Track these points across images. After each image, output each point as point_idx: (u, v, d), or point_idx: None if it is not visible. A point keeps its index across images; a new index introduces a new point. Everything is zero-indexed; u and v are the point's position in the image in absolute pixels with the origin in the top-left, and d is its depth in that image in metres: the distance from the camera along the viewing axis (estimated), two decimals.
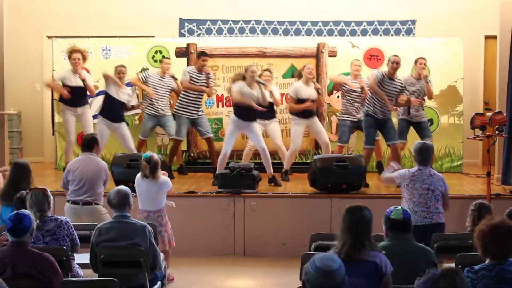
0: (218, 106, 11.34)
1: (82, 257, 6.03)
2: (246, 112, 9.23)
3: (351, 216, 4.55)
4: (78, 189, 7.41)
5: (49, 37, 12.22)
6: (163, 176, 7.19)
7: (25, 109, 12.55)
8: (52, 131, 11.75)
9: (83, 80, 10.10)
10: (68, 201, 7.46)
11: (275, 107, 10.30)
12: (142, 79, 10.43)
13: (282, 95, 10.84)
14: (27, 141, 12.64)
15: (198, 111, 10.28)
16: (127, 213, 5.80)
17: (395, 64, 9.28)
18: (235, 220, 8.77)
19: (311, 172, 9.01)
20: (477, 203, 6.11)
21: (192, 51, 11.17)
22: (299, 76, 9.91)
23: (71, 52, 10.14)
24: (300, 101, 9.71)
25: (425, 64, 9.99)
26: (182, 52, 11.25)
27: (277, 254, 8.58)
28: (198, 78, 10.12)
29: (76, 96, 10.13)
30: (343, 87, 10.18)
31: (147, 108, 10.44)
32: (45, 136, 12.56)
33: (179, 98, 10.29)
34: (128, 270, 5.65)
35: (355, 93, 10.11)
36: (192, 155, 11.20)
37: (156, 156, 7.16)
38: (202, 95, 10.30)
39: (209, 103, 11.24)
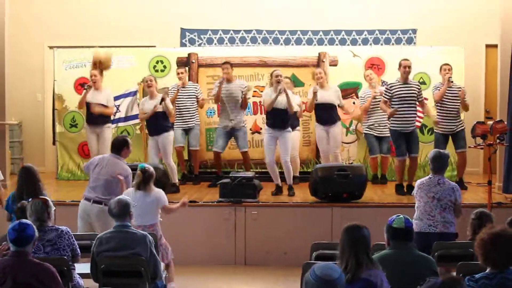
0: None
1: (82, 267, 6.02)
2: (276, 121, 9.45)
3: (350, 236, 4.52)
4: (93, 187, 7.39)
5: (51, 47, 12.24)
6: (157, 189, 7.12)
7: (26, 119, 12.56)
8: (53, 141, 11.75)
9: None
10: (84, 197, 7.44)
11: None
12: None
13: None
14: (28, 151, 12.64)
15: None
16: (128, 222, 5.80)
17: (407, 68, 9.40)
18: (236, 229, 8.76)
19: (312, 181, 9.01)
20: (478, 212, 6.09)
21: (193, 61, 11.18)
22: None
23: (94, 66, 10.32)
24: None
25: (449, 70, 9.92)
26: (183, 62, 11.26)
27: (278, 263, 8.57)
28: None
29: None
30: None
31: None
32: (46, 146, 12.56)
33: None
34: (129, 280, 5.64)
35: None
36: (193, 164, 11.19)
37: (152, 169, 7.10)
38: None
39: (210, 112, 11.25)
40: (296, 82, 11.03)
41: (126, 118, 11.15)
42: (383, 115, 10.07)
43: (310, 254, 6.02)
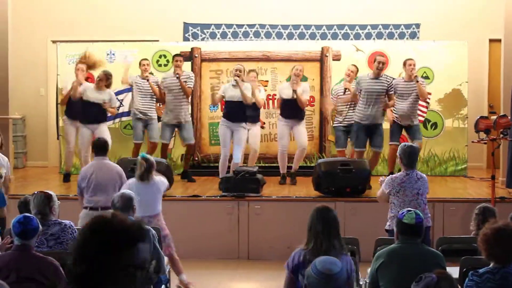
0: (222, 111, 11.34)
1: None
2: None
3: (324, 218, 4.60)
4: (95, 195, 7.32)
5: (54, 42, 12.24)
6: (157, 177, 7.15)
7: (29, 113, 12.56)
8: (56, 136, 11.76)
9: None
10: (85, 207, 7.34)
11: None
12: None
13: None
14: (32, 145, 12.65)
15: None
16: (131, 217, 5.79)
17: (381, 64, 9.51)
18: (239, 224, 8.77)
19: (315, 176, 9.01)
20: (481, 206, 6.09)
21: (197, 55, 11.18)
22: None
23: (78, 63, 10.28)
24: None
25: (414, 65, 9.75)
26: (186, 56, 11.24)
27: (281, 257, 8.47)
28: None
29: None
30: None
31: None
32: (49, 140, 12.57)
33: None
34: None
35: None
36: (197, 159, 11.19)
37: (152, 158, 7.12)
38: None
39: (213, 107, 11.25)
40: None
41: (130, 112, 11.15)
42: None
43: None
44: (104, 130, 9.95)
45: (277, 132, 10.28)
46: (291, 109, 9.87)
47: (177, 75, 10.09)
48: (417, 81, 9.59)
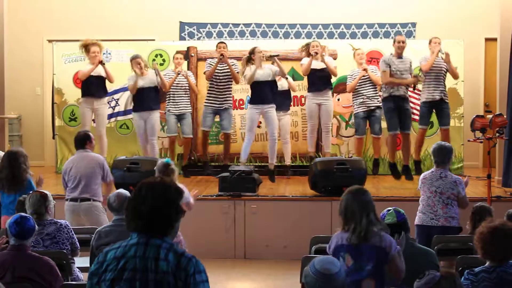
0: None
1: (82, 261, 6.02)
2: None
3: (359, 198, 4.58)
4: (75, 187, 7.36)
5: (50, 41, 12.22)
6: (181, 185, 7.15)
7: (25, 113, 12.55)
8: (52, 135, 11.75)
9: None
10: (66, 199, 7.42)
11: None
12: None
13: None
14: (28, 145, 12.60)
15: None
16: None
17: (401, 43, 9.53)
18: (236, 223, 8.77)
19: (312, 175, 9.01)
20: (477, 206, 6.10)
21: (193, 54, 11.17)
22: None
23: (89, 45, 10.16)
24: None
25: (439, 43, 9.77)
26: (182, 55, 11.25)
27: (277, 256, 8.57)
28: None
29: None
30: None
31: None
32: (45, 139, 12.56)
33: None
34: None
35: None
36: (193, 158, 11.17)
37: (174, 165, 7.11)
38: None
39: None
40: (296, 76, 11.03)
41: (125, 112, 11.14)
42: (370, 89, 10.22)
43: (309, 248, 6.02)
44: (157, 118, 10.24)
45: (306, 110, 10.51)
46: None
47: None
48: (443, 58, 9.67)
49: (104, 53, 11.23)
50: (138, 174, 8.76)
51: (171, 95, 10.36)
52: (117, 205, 5.76)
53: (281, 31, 12.26)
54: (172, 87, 10.32)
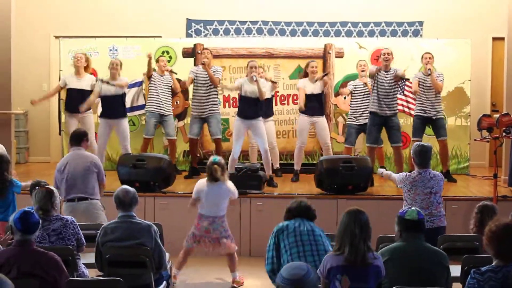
0: (224, 107, 11.33)
1: (87, 257, 6.03)
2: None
3: (358, 220, 4.60)
4: (71, 187, 7.29)
5: (56, 37, 12.24)
6: (230, 181, 7.34)
7: (31, 109, 12.51)
8: (58, 131, 11.75)
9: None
10: (64, 200, 7.28)
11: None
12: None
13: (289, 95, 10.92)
14: (34, 140, 12.66)
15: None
16: (133, 212, 5.80)
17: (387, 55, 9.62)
18: (241, 221, 8.77)
19: (317, 173, 9.00)
20: (480, 205, 6.08)
21: (199, 52, 11.17)
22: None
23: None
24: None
25: (430, 58, 9.86)
26: (189, 53, 11.27)
27: None
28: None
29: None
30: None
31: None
32: (51, 136, 12.57)
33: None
34: (134, 270, 5.64)
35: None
36: (199, 155, 11.16)
37: (223, 161, 7.26)
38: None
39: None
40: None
41: (132, 108, 11.13)
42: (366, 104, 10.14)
43: None
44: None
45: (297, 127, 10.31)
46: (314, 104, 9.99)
47: (203, 63, 10.02)
48: (429, 74, 9.72)
49: (110, 49, 11.28)
50: (144, 171, 8.75)
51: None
52: (124, 201, 5.74)
53: (287, 29, 12.24)
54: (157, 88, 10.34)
